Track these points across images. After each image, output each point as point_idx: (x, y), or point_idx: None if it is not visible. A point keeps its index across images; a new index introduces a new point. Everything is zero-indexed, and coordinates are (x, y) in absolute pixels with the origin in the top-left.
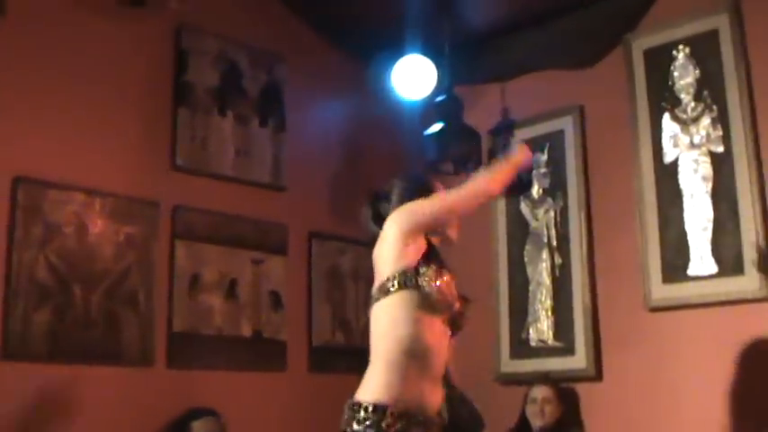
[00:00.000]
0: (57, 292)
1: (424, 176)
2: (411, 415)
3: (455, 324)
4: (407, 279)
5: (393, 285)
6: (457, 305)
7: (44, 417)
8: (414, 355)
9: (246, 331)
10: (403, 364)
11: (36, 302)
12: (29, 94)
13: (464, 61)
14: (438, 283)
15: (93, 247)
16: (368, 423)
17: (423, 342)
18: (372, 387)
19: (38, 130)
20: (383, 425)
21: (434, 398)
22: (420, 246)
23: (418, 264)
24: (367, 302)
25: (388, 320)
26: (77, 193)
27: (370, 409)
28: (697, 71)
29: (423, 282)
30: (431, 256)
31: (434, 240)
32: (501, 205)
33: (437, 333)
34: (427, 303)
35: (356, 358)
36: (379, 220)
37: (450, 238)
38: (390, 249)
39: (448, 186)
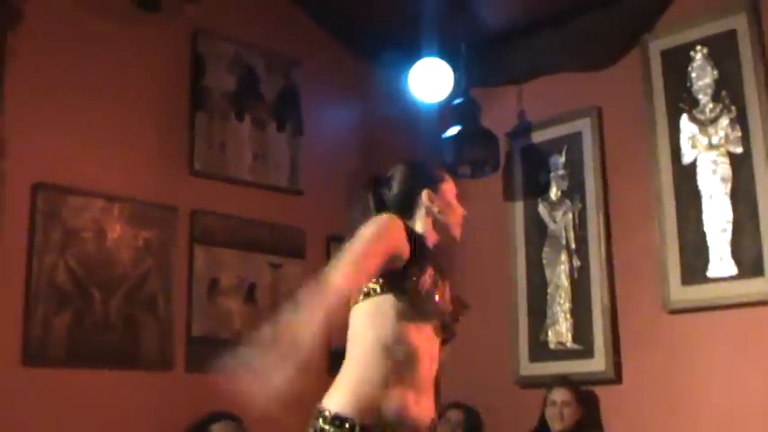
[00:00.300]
0: (76, 297)
1: (431, 165)
2: (378, 431)
3: (447, 331)
4: (391, 282)
5: (375, 289)
6: (449, 310)
7: (64, 421)
8: (394, 358)
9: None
10: (381, 368)
11: (56, 307)
12: (47, 101)
13: (480, 63)
14: (427, 286)
15: (111, 252)
16: None
17: (406, 344)
18: (340, 392)
19: (56, 136)
20: None
21: (419, 411)
22: (401, 248)
23: (405, 265)
24: None
25: (367, 321)
26: (96, 199)
27: (330, 419)
28: (715, 72)
29: (409, 285)
30: (421, 256)
31: (433, 238)
32: (519, 208)
33: (425, 339)
34: (414, 308)
35: None
36: (383, 206)
37: (453, 235)
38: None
39: (460, 184)
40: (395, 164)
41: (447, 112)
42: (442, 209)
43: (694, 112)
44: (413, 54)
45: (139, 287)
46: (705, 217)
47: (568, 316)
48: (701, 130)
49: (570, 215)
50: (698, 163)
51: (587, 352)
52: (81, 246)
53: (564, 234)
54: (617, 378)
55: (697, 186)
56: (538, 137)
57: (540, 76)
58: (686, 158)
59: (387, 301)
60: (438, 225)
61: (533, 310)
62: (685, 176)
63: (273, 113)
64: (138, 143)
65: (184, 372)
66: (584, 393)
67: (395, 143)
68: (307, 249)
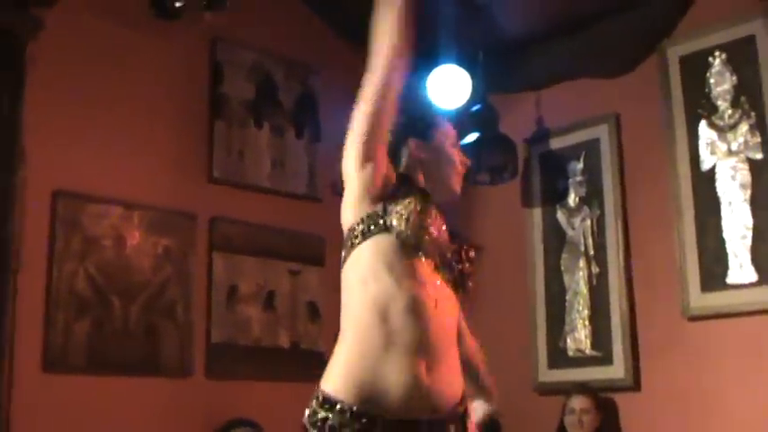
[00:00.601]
0: (96, 304)
1: (424, 110)
2: (376, 416)
3: (451, 269)
4: (372, 222)
5: (357, 237)
6: (447, 245)
7: (84, 427)
8: (395, 316)
9: (284, 342)
10: (380, 333)
11: (76, 314)
12: (66, 108)
13: (498, 70)
14: (411, 215)
15: (131, 260)
16: (313, 420)
17: (406, 290)
18: (334, 369)
19: (76, 144)
20: (327, 427)
21: (431, 383)
22: (384, 179)
23: (385, 202)
24: None
25: (357, 279)
26: (115, 207)
27: (321, 401)
28: (734, 77)
29: (391, 220)
30: (405, 189)
31: (423, 185)
32: (537, 214)
33: (428, 283)
34: (403, 244)
35: None
36: None
37: (452, 189)
38: (349, 194)
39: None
40: None
41: (465, 119)
42: (434, 159)
43: (713, 118)
44: (430, 60)
45: (159, 294)
46: (724, 223)
47: (587, 323)
48: (719, 137)
49: (588, 222)
50: (717, 169)
51: (606, 359)
52: (101, 253)
53: (582, 241)
54: (636, 385)
55: (716, 193)
56: (556, 143)
57: (558, 83)
58: (705, 165)
59: (373, 245)
60: (432, 179)
61: (552, 316)
62: (704, 183)
63: (291, 120)
64: (156, 151)
65: (204, 378)
66: (603, 400)
67: None
68: (326, 256)
